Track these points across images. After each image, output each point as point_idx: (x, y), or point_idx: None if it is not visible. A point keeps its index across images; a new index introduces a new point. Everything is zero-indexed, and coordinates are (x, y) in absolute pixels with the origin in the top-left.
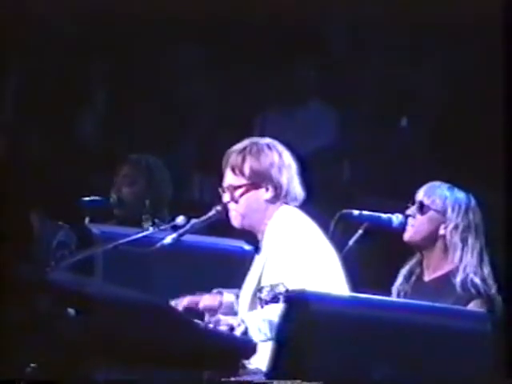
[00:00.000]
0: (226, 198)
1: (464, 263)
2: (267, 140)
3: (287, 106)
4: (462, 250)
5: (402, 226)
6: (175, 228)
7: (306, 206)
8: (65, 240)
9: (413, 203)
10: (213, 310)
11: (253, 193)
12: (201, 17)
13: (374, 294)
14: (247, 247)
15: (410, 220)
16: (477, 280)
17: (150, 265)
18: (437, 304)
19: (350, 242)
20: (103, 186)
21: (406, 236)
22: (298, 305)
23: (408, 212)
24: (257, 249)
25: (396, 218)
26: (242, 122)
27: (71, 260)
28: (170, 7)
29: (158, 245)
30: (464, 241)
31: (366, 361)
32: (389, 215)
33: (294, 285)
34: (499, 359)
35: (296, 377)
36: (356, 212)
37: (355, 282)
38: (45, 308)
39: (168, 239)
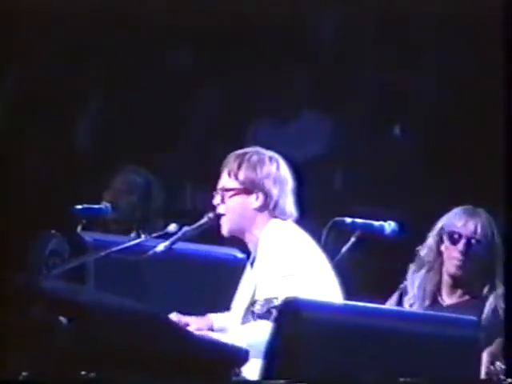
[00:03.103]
0: (216, 199)
1: (495, 290)
2: (270, 153)
3: (280, 115)
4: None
5: (395, 234)
6: (167, 236)
7: (299, 214)
8: (57, 248)
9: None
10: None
11: (242, 197)
12: (197, 25)
13: (366, 302)
14: (240, 255)
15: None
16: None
17: (142, 272)
18: (427, 312)
19: (343, 250)
20: (96, 194)
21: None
22: (289, 312)
23: (442, 249)
24: (249, 260)
25: (388, 226)
26: (236, 131)
27: (63, 268)
28: (168, 18)
29: (150, 252)
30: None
31: (358, 368)
32: (381, 223)
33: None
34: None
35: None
36: (349, 220)
37: (347, 290)
38: (37, 316)
39: (160, 247)
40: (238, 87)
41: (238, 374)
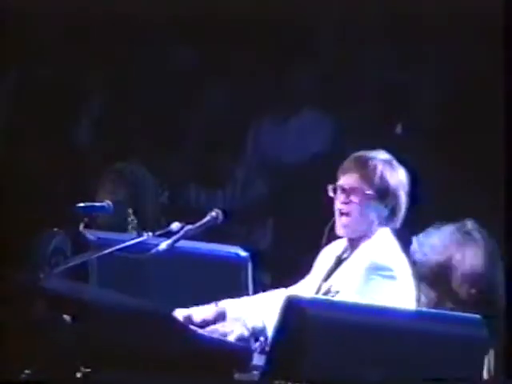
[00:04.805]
0: (340, 197)
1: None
2: (394, 161)
3: (283, 113)
4: None
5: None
6: (170, 234)
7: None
8: (60, 246)
9: None
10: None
11: (372, 203)
12: (198, 22)
13: None
14: (242, 253)
15: None
16: None
17: (145, 271)
18: (433, 310)
19: None
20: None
21: None
22: (293, 310)
23: None
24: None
25: None
26: (239, 129)
27: (66, 266)
28: (168, 18)
29: (153, 251)
30: None
31: (362, 366)
32: None
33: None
34: (499, 360)
35: (291, 381)
36: None
37: None
38: (40, 314)
39: (163, 245)
40: (240, 86)
41: (241, 373)
